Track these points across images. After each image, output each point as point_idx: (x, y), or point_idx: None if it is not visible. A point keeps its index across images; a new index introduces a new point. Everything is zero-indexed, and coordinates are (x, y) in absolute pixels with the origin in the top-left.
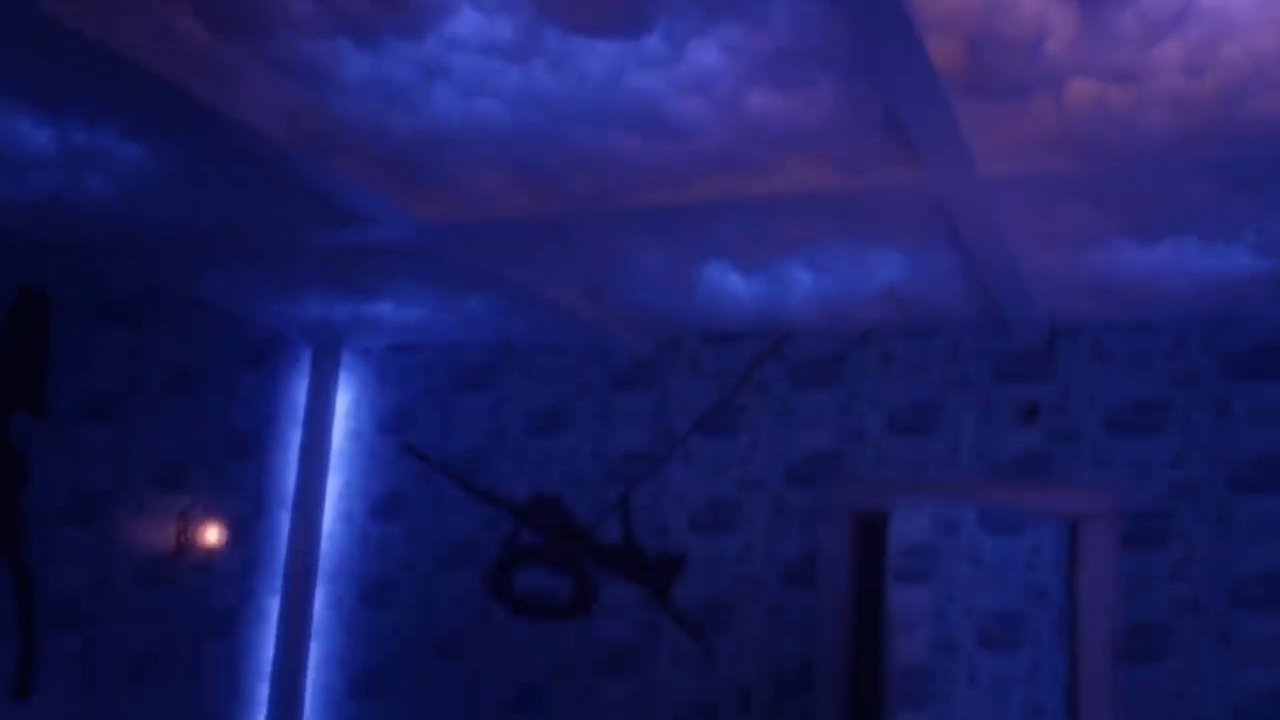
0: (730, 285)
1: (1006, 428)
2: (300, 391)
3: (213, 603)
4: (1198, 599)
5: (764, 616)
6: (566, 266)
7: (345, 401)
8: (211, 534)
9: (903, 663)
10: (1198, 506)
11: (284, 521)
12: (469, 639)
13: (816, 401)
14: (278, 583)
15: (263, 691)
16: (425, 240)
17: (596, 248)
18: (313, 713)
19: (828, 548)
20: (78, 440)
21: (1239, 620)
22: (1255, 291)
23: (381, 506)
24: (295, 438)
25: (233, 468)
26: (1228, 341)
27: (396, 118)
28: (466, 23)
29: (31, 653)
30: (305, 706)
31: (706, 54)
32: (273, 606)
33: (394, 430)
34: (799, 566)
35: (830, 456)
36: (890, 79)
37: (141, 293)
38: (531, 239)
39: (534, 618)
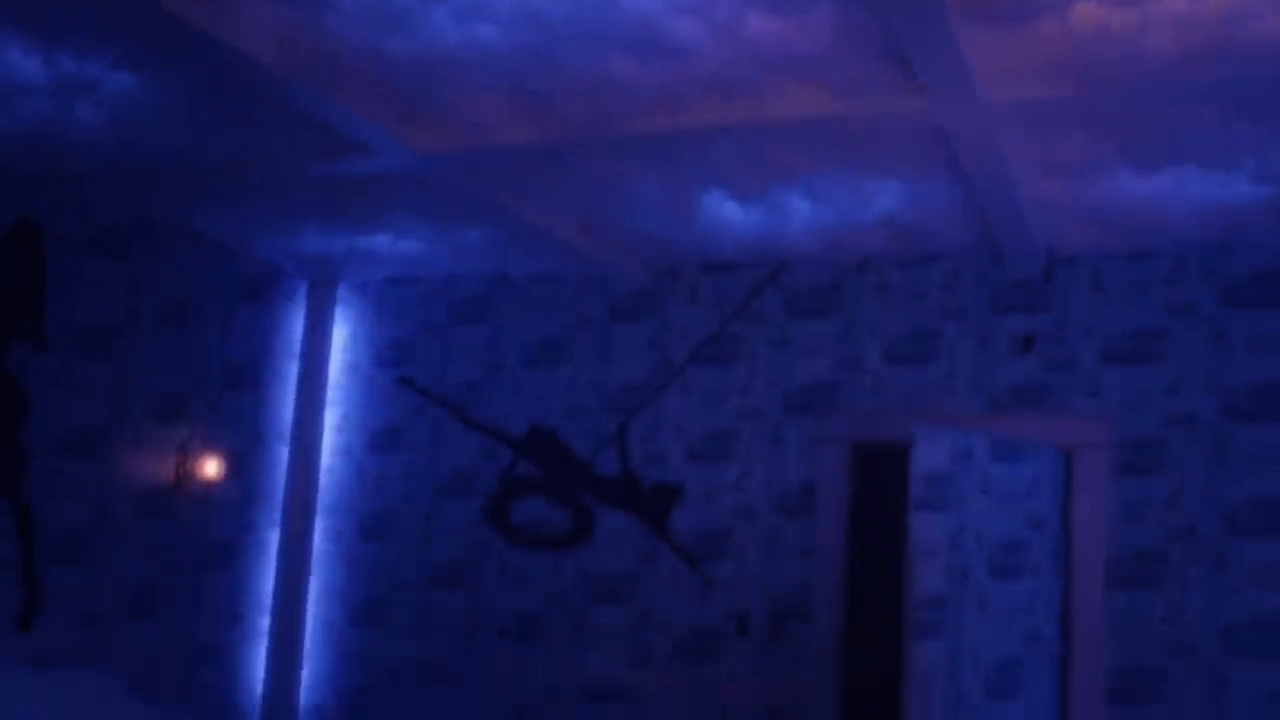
0: (728, 214)
1: (1003, 357)
2: (297, 325)
3: (212, 535)
4: (1192, 526)
5: (761, 546)
6: (564, 195)
7: (342, 335)
8: (210, 467)
9: (921, 591)
10: (1193, 435)
11: (282, 454)
12: (468, 569)
13: (814, 331)
14: (277, 515)
15: (264, 623)
16: (422, 169)
17: (594, 175)
18: (313, 643)
19: (825, 477)
20: (75, 374)
21: (1233, 547)
22: (1255, 220)
23: (379, 439)
24: (293, 371)
25: (230, 401)
26: (1227, 270)
27: (392, 41)
28: None
29: (34, 586)
30: (306, 637)
31: None
32: (272, 539)
33: (391, 363)
34: (796, 496)
35: (828, 386)
36: (890, 1)
37: (136, 225)
38: (529, 166)
39: (532, 548)
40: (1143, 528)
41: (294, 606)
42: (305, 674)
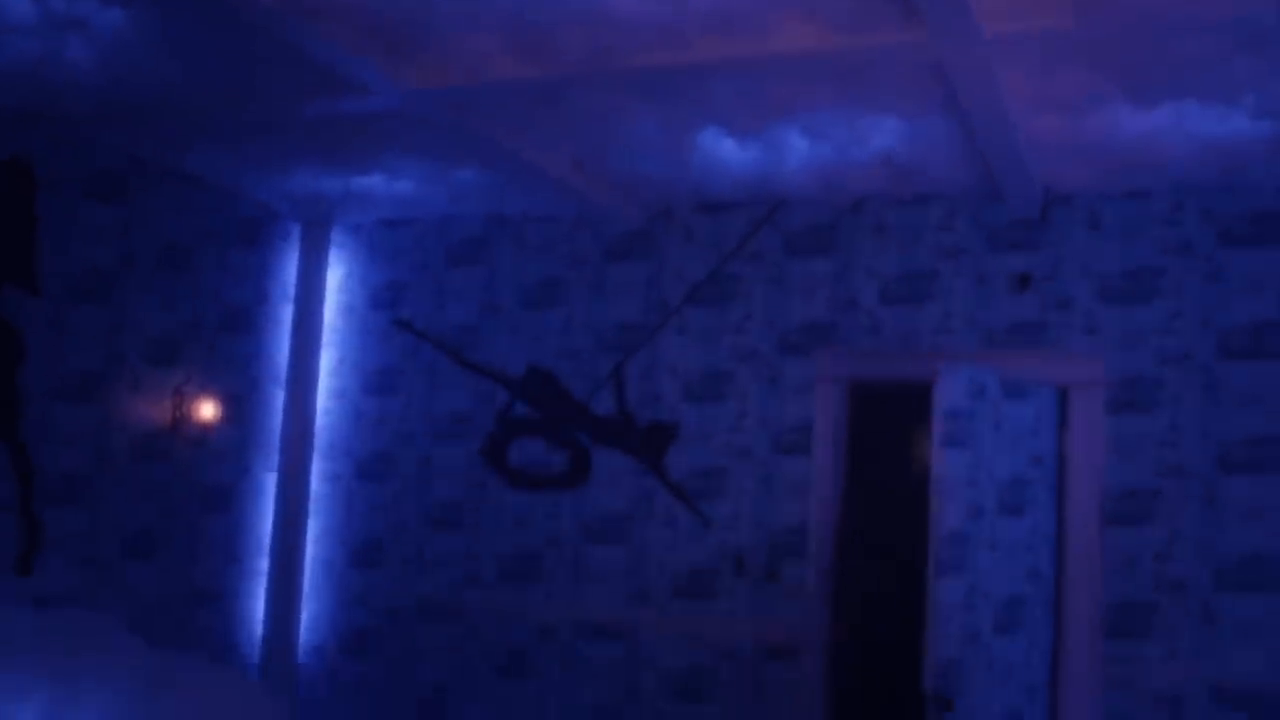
0: (725, 153)
1: (1000, 296)
2: (291, 267)
3: (209, 479)
4: (1186, 464)
5: (757, 485)
6: (560, 133)
7: (337, 277)
8: (207, 410)
9: (943, 528)
10: (1189, 373)
11: (278, 397)
12: (466, 510)
13: (810, 270)
14: (274, 458)
15: (262, 565)
16: (416, 106)
17: (590, 113)
18: (312, 584)
19: (822, 416)
20: (70, 318)
21: (1225, 484)
22: (1254, 158)
23: (376, 381)
24: (287, 314)
25: (226, 344)
26: (1224, 209)
27: None
28: None
29: (33, 526)
30: (305, 578)
31: None
32: (270, 481)
33: (386, 305)
34: (792, 435)
35: (825, 325)
36: None
37: (128, 166)
38: (524, 102)
39: (530, 488)
40: (1137, 465)
41: (292, 548)
42: (305, 614)
